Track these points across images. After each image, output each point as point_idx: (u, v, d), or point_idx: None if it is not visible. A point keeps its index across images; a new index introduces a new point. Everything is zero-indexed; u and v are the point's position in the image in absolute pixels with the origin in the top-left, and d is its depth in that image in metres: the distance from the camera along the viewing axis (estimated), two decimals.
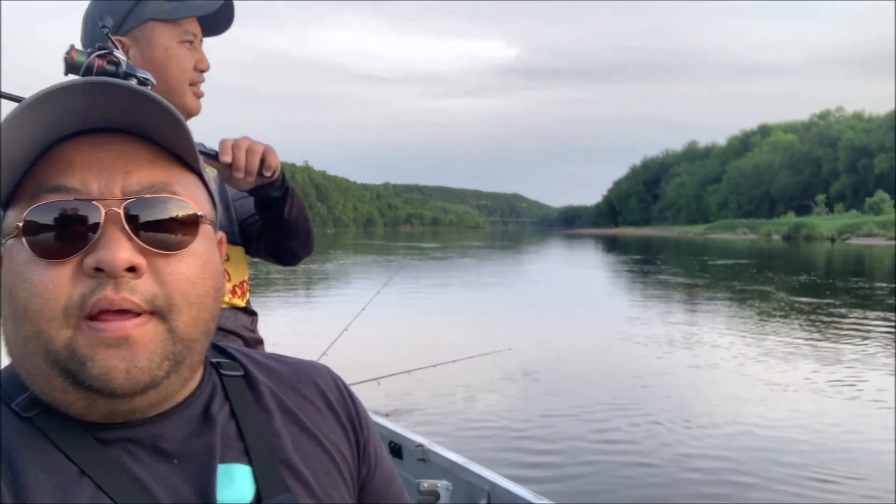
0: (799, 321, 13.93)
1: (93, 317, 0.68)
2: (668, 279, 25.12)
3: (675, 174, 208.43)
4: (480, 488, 2.79)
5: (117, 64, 1.53)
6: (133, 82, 1.29)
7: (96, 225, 0.69)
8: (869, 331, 12.42)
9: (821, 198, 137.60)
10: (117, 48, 1.60)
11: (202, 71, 1.81)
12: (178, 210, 0.73)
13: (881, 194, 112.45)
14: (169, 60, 1.71)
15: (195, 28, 1.79)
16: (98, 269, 0.68)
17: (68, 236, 0.69)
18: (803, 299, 17.77)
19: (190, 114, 1.83)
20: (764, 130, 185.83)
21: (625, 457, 5.70)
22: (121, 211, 0.70)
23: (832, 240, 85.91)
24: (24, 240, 0.69)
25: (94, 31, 1.69)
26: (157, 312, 0.70)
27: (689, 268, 31.88)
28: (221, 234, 0.83)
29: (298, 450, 0.81)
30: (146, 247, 0.70)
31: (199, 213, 0.75)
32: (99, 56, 1.53)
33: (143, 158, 0.73)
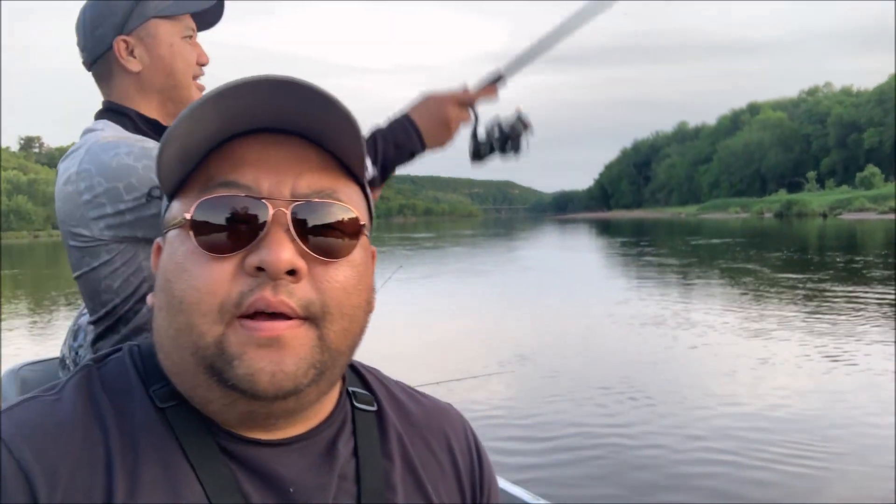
0: (795, 297, 13.87)
1: (246, 316, 0.68)
2: (661, 261, 25.07)
3: (666, 156, 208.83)
4: None
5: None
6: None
7: (263, 224, 0.69)
8: (867, 304, 12.37)
9: (811, 174, 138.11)
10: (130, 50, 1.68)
11: (203, 65, 1.80)
12: (343, 217, 0.73)
13: (871, 168, 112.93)
14: (175, 56, 1.72)
15: (192, 23, 1.78)
16: (259, 269, 0.68)
17: (235, 233, 0.69)
18: (798, 276, 17.73)
19: None
20: (753, 109, 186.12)
21: (624, 454, 5.60)
22: (288, 212, 0.70)
23: (824, 216, 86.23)
24: (190, 232, 0.70)
25: (95, 33, 1.70)
26: (311, 318, 0.70)
27: (680, 249, 31.85)
28: (374, 249, 0.81)
29: None
30: (309, 251, 0.70)
31: (362, 223, 0.75)
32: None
33: (314, 162, 0.74)
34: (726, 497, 4.61)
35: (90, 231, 1.54)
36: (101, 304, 1.65)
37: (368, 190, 0.81)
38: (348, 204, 0.74)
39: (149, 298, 0.76)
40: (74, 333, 2.74)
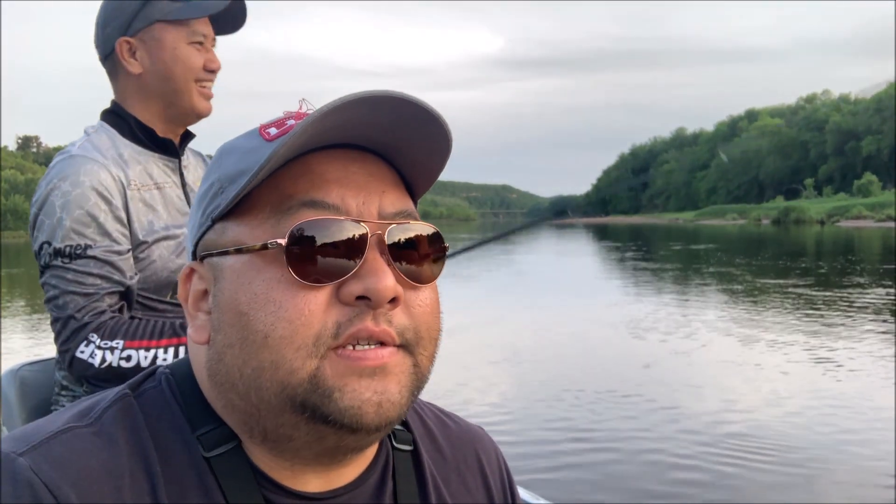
0: (791, 303, 13.87)
1: (341, 346, 0.65)
2: (660, 266, 25.06)
3: (664, 161, 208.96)
4: None
5: None
6: None
7: (362, 249, 0.65)
8: (866, 309, 12.38)
9: (809, 181, 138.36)
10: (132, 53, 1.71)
11: (212, 71, 1.78)
12: (431, 240, 0.71)
13: (869, 176, 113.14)
14: (176, 61, 1.71)
15: (205, 28, 1.76)
16: (359, 298, 0.64)
17: (334, 259, 0.65)
18: (799, 282, 17.74)
19: (200, 115, 1.80)
20: (751, 115, 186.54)
21: (624, 454, 5.60)
22: (385, 235, 0.67)
23: (822, 223, 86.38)
24: (285, 257, 0.65)
25: (105, 31, 1.73)
26: (406, 346, 0.68)
27: (678, 255, 31.84)
28: None
29: None
30: (403, 277, 0.67)
31: (447, 244, 0.73)
32: None
33: (391, 179, 0.71)
34: (725, 497, 4.61)
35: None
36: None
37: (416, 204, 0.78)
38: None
39: (194, 335, 0.71)
40: None
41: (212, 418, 0.70)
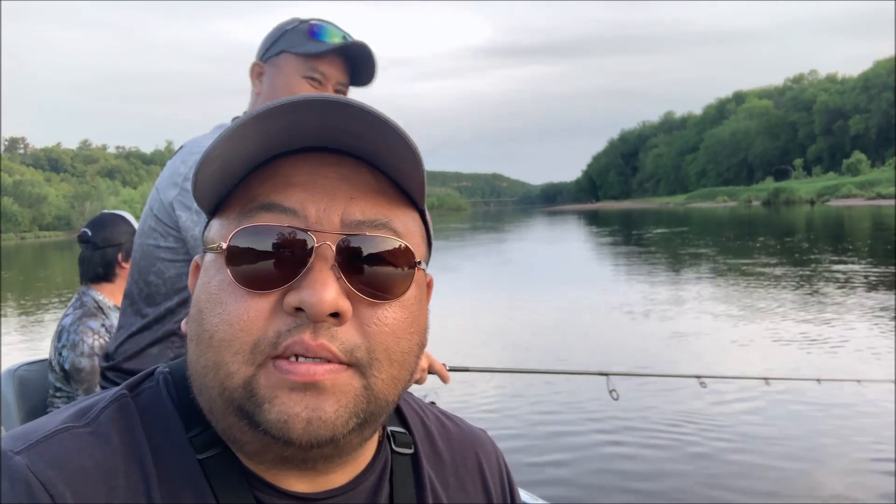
0: (787, 284, 13.94)
1: (282, 357, 0.63)
2: (653, 251, 25.09)
3: (653, 146, 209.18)
4: None
5: None
6: None
7: (306, 259, 0.63)
8: (860, 286, 12.44)
9: (798, 162, 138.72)
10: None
11: None
12: (396, 254, 0.67)
13: (858, 155, 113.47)
14: (287, 88, 1.85)
15: (329, 70, 1.88)
16: (298, 309, 0.63)
17: (275, 267, 0.64)
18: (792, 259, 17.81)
19: None
20: (739, 97, 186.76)
21: (625, 456, 5.62)
22: (334, 246, 0.64)
23: (812, 203, 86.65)
24: (224, 262, 0.65)
25: (261, 50, 1.94)
26: (355, 365, 0.65)
27: (674, 239, 31.90)
28: (430, 277, 0.77)
29: None
30: (355, 291, 0.65)
31: (417, 259, 0.69)
32: None
33: (368, 185, 0.68)
34: (722, 496, 4.64)
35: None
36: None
37: (428, 216, 0.75)
38: (403, 234, 0.68)
39: (183, 325, 0.72)
40: (59, 334, 2.75)
41: (204, 420, 0.70)
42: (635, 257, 22.81)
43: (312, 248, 0.64)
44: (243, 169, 0.66)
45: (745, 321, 10.20)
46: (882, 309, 10.56)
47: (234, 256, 0.64)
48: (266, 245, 0.64)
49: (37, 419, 0.70)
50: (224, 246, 0.65)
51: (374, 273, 0.66)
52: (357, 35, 1.92)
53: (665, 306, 11.78)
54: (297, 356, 0.63)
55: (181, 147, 1.91)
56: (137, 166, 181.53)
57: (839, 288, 12.95)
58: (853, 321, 9.73)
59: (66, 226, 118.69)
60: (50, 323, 13.48)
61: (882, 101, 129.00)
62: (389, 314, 0.66)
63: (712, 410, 6.05)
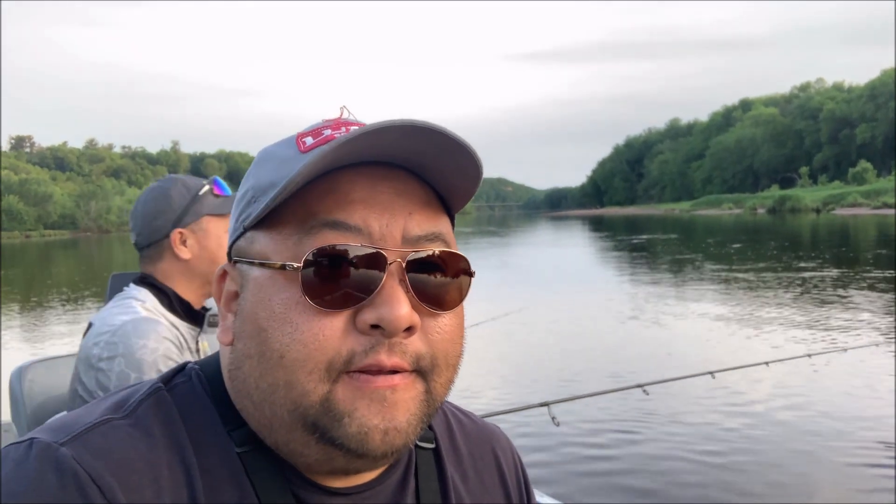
0: (795, 288, 13.89)
1: (355, 370, 0.65)
2: (660, 259, 25.02)
3: (659, 152, 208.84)
4: None
5: None
6: None
7: (379, 277, 0.65)
8: (865, 293, 12.38)
9: (804, 170, 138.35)
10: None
11: None
12: (454, 266, 0.70)
13: (864, 164, 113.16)
14: (220, 248, 1.99)
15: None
16: (374, 326, 0.64)
17: (350, 286, 0.65)
18: (801, 266, 17.76)
19: None
20: (745, 105, 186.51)
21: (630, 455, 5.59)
22: (404, 263, 0.66)
23: (817, 211, 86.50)
24: (300, 280, 0.65)
25: (153, 223, 1.98)
26: (420, 372, 0.67)
27: (683, 247, 31.81)
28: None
29: None
30: (422, 304, 0.67)
31: (473, 271, 0.72)
32: None
33: (420, 198, 0.70)
34: (720, 496, 4.61)
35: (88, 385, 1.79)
36: None
37: (454, 219, 0.77)
38: (450, 243, 0.71)
39: (221, 335, 0.72)
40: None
41: (240, 418, 0.72)
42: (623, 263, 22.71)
43: (384, 265, 0.65)
44: (298, 183, 0.66)
45: (750, 324, 10.15)
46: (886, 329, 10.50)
47: (308, 276, 0.65)
48: (340, 264, 0.64)
49: (72, 411, 0.70)
50: (296, 265, 0.65)
51: (436, 285, 0.68)
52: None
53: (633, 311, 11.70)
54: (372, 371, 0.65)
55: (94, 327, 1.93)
56: (143, 166, 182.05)
57: (825, 294, 12.88)
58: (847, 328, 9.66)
59: (71, 224, 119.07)
60: (52, 320, 13.48)
61: (889, 110, 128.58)
62: (447, 322, 0.69)
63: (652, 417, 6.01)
